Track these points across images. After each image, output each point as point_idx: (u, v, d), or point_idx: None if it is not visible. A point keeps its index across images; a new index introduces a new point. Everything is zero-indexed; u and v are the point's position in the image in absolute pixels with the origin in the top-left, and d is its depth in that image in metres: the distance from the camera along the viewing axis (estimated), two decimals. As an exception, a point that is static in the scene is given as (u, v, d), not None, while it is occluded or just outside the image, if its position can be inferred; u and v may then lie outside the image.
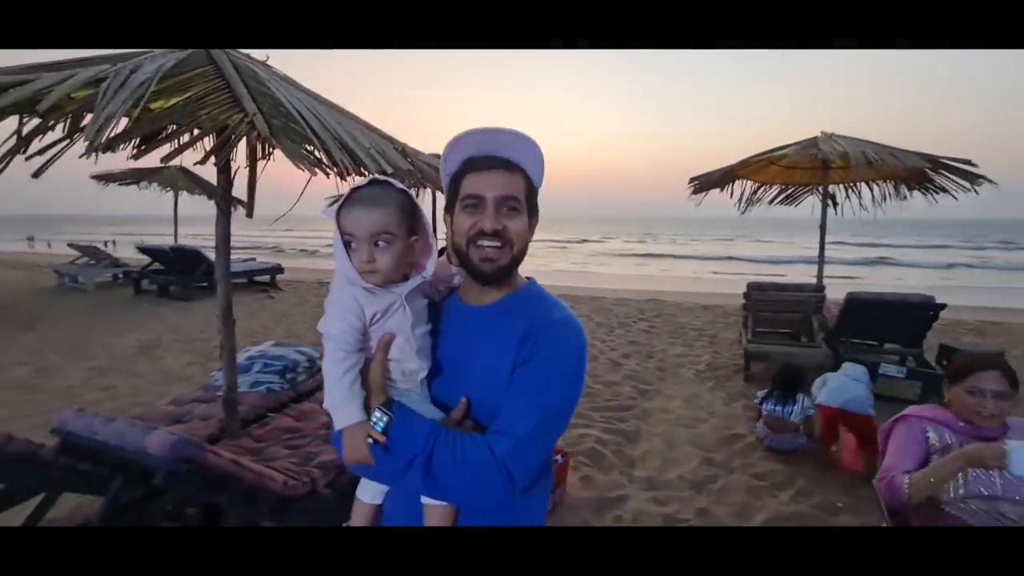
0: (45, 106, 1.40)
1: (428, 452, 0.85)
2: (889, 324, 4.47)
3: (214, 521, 2.32)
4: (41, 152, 1.39)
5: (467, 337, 0.98)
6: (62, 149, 1.44)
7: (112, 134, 1.41)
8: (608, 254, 29.59)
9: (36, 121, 1.55)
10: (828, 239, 5.42)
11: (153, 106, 1.75)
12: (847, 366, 3.61)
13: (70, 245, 11.75)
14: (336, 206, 0.90)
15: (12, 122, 1.47)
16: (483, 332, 0.96)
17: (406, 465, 0.86)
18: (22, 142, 1.41)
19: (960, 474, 1.60)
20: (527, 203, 0.95)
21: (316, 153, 1.91)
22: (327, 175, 1.77)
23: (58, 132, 1.64)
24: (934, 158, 4.70)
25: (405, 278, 0.94)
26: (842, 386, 3.38)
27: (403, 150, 2.21)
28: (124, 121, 1.52)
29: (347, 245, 0.89)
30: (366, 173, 1.94)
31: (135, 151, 1.59)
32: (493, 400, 0.92)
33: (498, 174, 0.91)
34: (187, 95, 1.80)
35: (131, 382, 4.72)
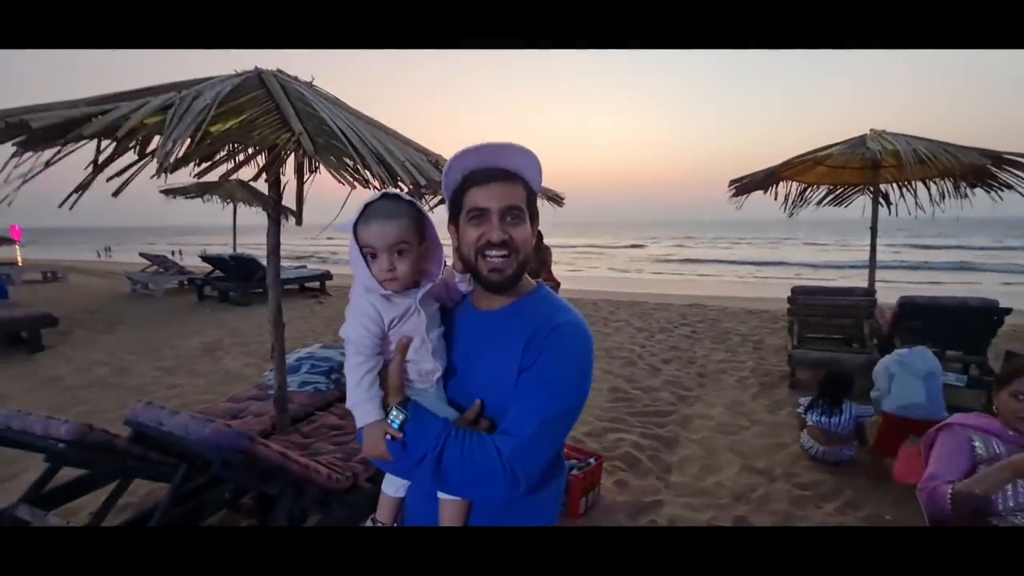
0: (123, 132, 1.59)
1: (439, 450, 0.91)
2: (948, 330, 4.21)
3: (266, 510, 2.50)
4: (119, 174, 1.57)
5: (477, 340, 1.03)
6: (136, 171, 1.62)
7: (178, 156, 1.58)
8: (649, 259, 29.07)
9: (110, 145, 1.76)
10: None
11: (212, 129, 1.93)
12: (909, 357, 3.15)
13: (141, 255, 12.73)
14: (351, 220, 0.96)
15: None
16: (491, 336, 1.01)
17: (419, 461, 0.92)
18: (102, 166, 1.60)
19: (1009, 485, 1.53)
20: (528, 210, 0.99)
21: (356, 167, 2.04)
22: (366, 187, 1.90)
23: (129, 154, 1.84)
24: (995, 153, 4.38)
25: (416, 284, 1.00)
26: (912, 390, 3.03)
27: (436, 162, 2.32)
28: (187, 143, 1.70)
29: (365, 256, 0.96)
30: (402, 185, 2.06)
31: (198, 170, 1.76)
32: (501, 401, 0.97)
33: (499, 185, 0.95)
34: (241, 118, 1.98)
35: (195, 381, 5.09)
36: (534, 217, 1.02)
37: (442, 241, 1.05)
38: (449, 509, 1.02)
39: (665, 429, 3.86)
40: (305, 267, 12.21)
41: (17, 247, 16.17)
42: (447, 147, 2.77)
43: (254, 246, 12.18)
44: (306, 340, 6.39)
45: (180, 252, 22.94)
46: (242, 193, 10.20)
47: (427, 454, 0.91)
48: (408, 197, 0.98)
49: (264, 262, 9.38)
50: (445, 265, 1.06)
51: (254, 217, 10.98)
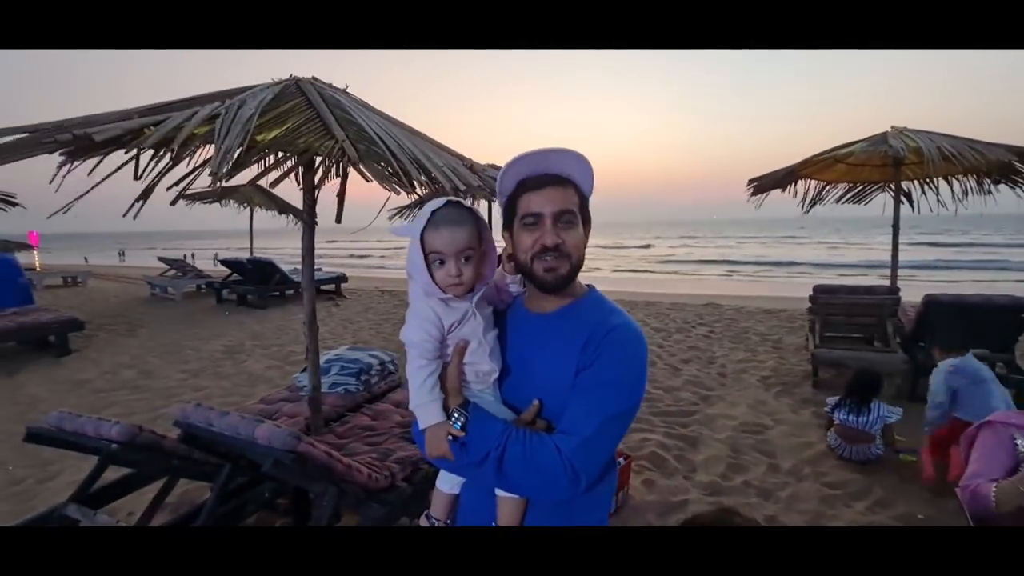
0: (179, 141, 1.64)
1: (501, 449, 0.94)
2: (974, 328, 4.18)
3: (301, 510, 2.55)
4: (177, 183, 1.63)
5: (532, 342, 1.06)
6: (192, 179, 1.67)
7: (231, 164, 1.63)
8: (660, 259, 28.99)
9: (150, 153, 1.81)
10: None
11: (258, 138, 1.98)
12: (967, 368, 3.11)
13: (160, 259, 12.91)
14: (414, 226, 0.99)
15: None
16: (546, 338, 1.04)
17: (481, 461, 0.95)
18: (160, 175, 1.66)
19: None
20: (580, 214, 1.02)
21: (396, 173, 2.08)
22: (407, 193, 1.94)
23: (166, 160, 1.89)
24: (1022, 149, 4.35)
25: (471, 288, 1.03)
26: (989, 393, 3.00)
27: (471, 166, 2.35)
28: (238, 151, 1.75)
29: (429, 261, 0.99)
30: (439, 189, 2.10)
31: (250, 177, 1.82)
32: (556, 401, 1.00)
33: (552, 190, 0.98)
34: (285, 126, 2.03)
35: (220, 383, 5.17)
36: (587, 221, 1.04)
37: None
38: (507, 506, 1.05)
39: (689, 429, 3.87)
40: (320, 269, 12.30)
41: (35, 252, 16.46)
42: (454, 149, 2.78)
43: (260, 249, 12.29)
44: (325, 342, 6.46)
45: (192, 256, 23.18)
46: (259, 197, 10.32)
47: (489, 453, 0.94)
48: (469, 204, 1.01)
49: (281, 265, 9.39)
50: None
51: (269, 221, 11.12)
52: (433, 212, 0.98)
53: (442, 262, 0.98)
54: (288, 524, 2.66)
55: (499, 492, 1.05)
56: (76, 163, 1.78)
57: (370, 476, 2.18)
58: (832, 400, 3.56)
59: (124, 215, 1.54)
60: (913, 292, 5.51)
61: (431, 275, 0.99)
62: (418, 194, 2.02)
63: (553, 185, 0.98)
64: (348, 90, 2.59)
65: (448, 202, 1.00)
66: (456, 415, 0.97)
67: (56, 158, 1.74)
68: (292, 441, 1.79)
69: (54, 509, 2.26)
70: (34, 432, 2.24)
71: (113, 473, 2.42)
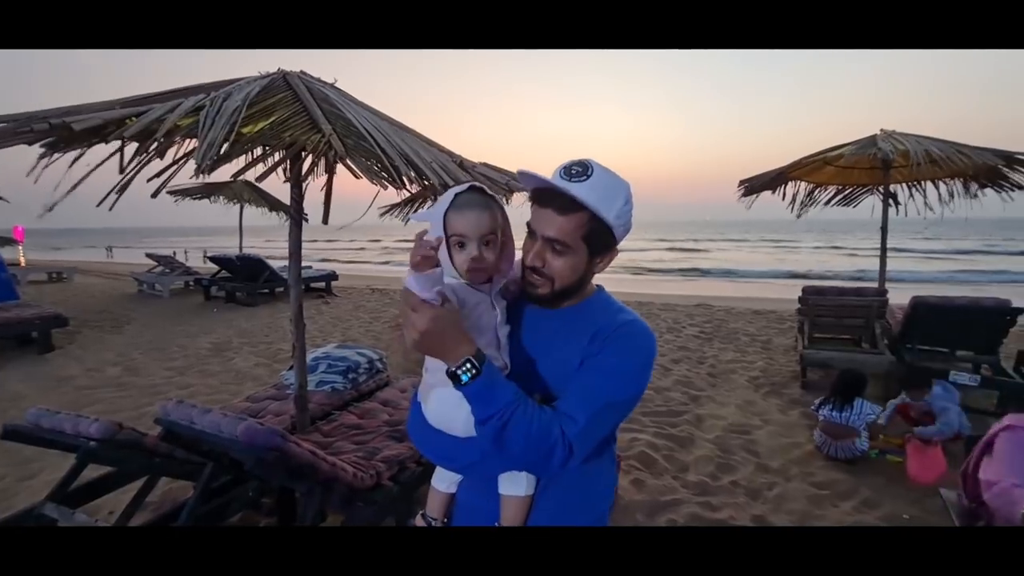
0: (161, 133, 1.61)
1: (506, 419, 0.90)
2: (960, 330, 4.23)
3: (289, 509, 2.52)
4: (158, 175, 1.59)
5: (540, 338, 1.06)
6: (174, 172, 1.64)
7: (216, 156, 1.60)
8: (651, 259, 29.07)
9: (134, 146, 1.76)
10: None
11: (244, 130, 1.95)
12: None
13: (148, 255, 12.74)
14: (436, 210, 0.95)
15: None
16: (555, 334, 1.04)
17: (481, 422, 0.91)
18: (139, 167, 1.62)
19: None
20: (586, 242, 0.97)
21: (384, 169, 2.06)
22: (396, 188, 1.92)
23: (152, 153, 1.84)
24: (1008, 154, 4.41)
25: (489, 279, 1.01)
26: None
27: (461, 163, 2.34)
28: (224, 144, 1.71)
29: (450, 245, 0.95)
30: (428, 185, 2.08)
31: (234, 171, 1.79)
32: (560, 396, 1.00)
33: (552, 213, 0.95)
34: (271, 119, 1.99)
35: (207, 381, 5.10)
36: (595, 251, 1.00)
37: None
38: (511, 505, 1.04)
39: (678, 429, 3.87)
40: (310, 267, 12.21)
41: (20, 248, 16.19)
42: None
43: (256, 247, 12.20)
44: (314, 340, 6.41)
45: (186, 253, 22.86)
46: (249, 193, 10.22)
47: (491, 418, 0.90)
48: (491, 192, 0.99)
49: (270, 263, 9.26)
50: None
51: (259, 218, 11.02)
52: (456, 195, 0.95)
53: (463, 245, 0.95)
54: (273, 524, 2.63)
55: (502, 492, 1.04)
56: (56, 155, 1.74)
57: (355, 475, 2.16)
58: (818, 400, 3.59)
59: (98, 205, 1.50)
60: (901, 295, 5.57)
61: (451, 259, 0.96)
62: (408, 190, 1.99)
63: (556, 208, 0.94)
64: (337, 84, 2.56)
65: (472, 187, 0.97)
66: (468, 366, 0.89)
67: (36, 150, 1.71)
68: (275, 439, 1.76)
69: (31, 508, 2.21)
70: (11, 429, 2.19)
71: (94, 471, 2.37)
